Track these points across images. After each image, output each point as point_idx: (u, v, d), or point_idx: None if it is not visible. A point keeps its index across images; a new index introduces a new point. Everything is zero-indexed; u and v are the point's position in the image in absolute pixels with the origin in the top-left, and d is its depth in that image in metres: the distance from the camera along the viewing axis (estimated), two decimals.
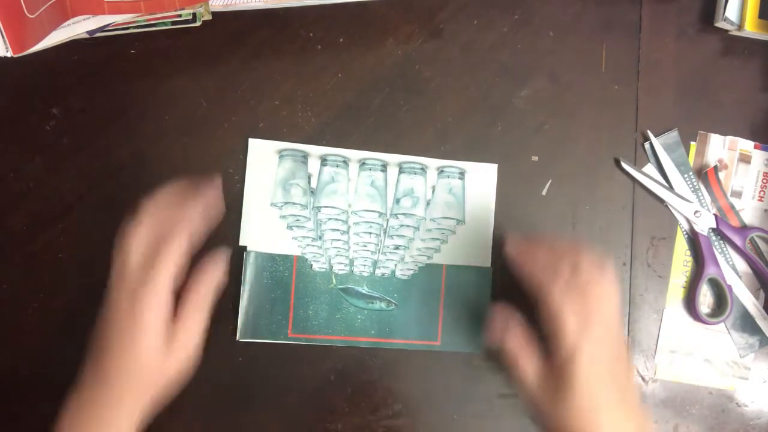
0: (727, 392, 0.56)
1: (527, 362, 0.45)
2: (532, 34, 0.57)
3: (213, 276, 0.45)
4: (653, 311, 0.56)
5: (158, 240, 0.43)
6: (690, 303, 0.56)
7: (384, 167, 0.54)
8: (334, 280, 0.54)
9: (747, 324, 0.56)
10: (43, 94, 0.53)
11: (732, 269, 0.56)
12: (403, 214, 0.54)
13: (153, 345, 0.42)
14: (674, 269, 0.56)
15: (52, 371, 0.52)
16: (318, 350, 0.54)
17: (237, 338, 0.53)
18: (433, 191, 0.54)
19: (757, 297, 0.56)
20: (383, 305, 0.54)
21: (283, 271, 0.54)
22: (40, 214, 0.53)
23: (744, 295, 0.56)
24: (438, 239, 0.54)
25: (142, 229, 0.43)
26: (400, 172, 0.54)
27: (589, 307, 0.44)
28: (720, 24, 0.57)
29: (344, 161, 0.54)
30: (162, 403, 0.44)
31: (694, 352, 0.56)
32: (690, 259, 0.56)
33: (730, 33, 0.57)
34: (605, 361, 0.43)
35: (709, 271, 0.55)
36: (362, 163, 0.54)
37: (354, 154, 0.54)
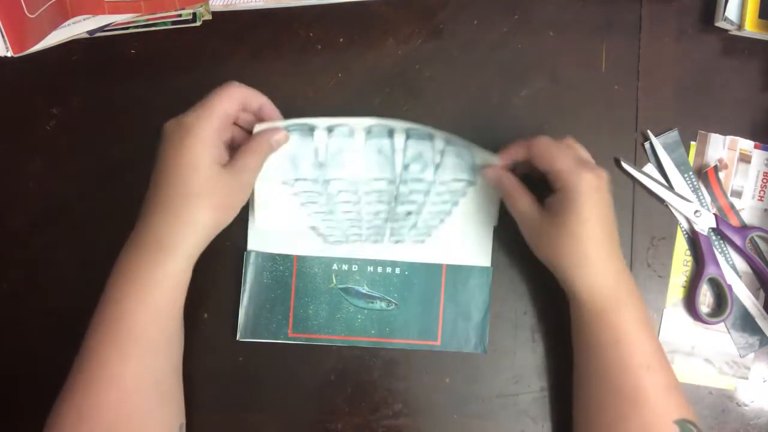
0: (727, 392, 0.56)
1: (522, 195, 0.50)
2: (532, 34, 0.57)
3: (272, 133, 0.49)
4: (653, 311, 0.56)
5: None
6: (690, 303, 0.56)
7: (391, 133, 0.53)
8: (334, 280, 0.54)
9: (747, 324, 0.56)
10: (43, 94, 0.53)
11: (732, 269, 0.56)
12: (413, 179, 0.54)
13: (209, 164, 0.44)
14: (674, 269, 0.56)
15: (52, 371, 0.52)
16: (318, 350, 0.54)
17: (237, 338, 0.53)
18: (441, 155, 0.54)
19: (757, 297, 0.56)
20: (383, 305, 0.54)
21: (283, 270, 0.54)
22: (40, 214, 0.53)
23: (744, 294, 0.56)
24: (449, 202, 0.54)
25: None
26: (408, 137, 0.53)
27: (582, 157, 0.49)
28: (720, 24, 0.57)
29: (350, 130, 0.53)
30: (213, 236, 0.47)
31: (694, 352, 0.56)
32: (690, 258, 0.56)
33: (730, 33, 0.57)
34: (596, 199, 0.47)
35: (709, 271, 0.55)
36: (368, 131, 0.53)
37: (360, 123, 0.52)
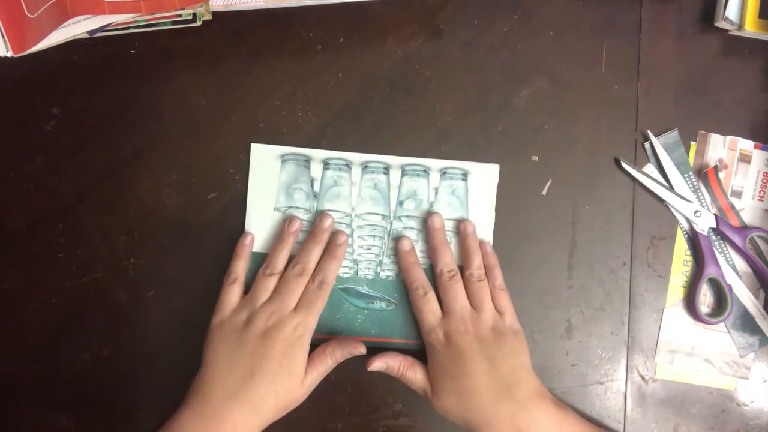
0: (727, 392, 0.56)
1: (411, 370, 0.51)
2: (532, 34, 0.57)
3: (353, 346, 0.51)
4: (653, 311, 0.56)
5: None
6: (690, 303, 0.56)
7: (386, 170, 0.54)
8: None
9: (747, 324, 0.56)
10: (43, 94, 0.53)
11: (732, 269, 0.56)
12: (407, 216, 0.54)
13: (295, 383, 0.48)
14: (674, 269, 0.56)
15: (52, 371, 0.52)
16: None
17: None
18: (436, 193, 0.54)
19: (757, 297, 0.56)
20: (383, 305, 0.54)
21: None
22: (40, 214, 0.53)
23: (744, 294, 0.56)
24: None
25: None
26: (403, 174, 0.54)
27: (446, 299, 0.51)
28: (720, 24, 0.57)
29: (347, 164, 0.54)
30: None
31: (694, 352, 0.56)
32: (690, 259, 0.56)
33: (730, 33, 0.57)
34: (447, 355, 0.49)
35: (709, 271, 0.55)
36: (365, 166, 0.54)
37: (356, 157, 0.54)
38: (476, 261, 0.52)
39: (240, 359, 0.47)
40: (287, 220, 0.53)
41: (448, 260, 0.52)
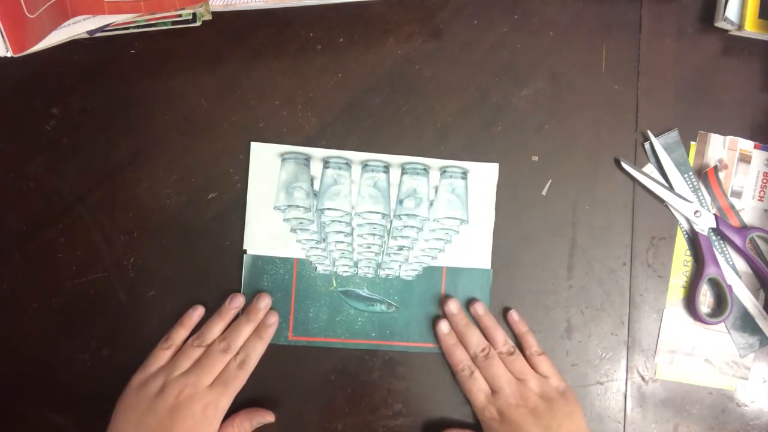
0: (727, 392, 0.56)
1: None
2: (532, 34, 0.57)
3: (261, 415, 0.52)
4: (653, 311, 0.56)
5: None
6: (690, 303, 0.56)
7: (386, 168, 0.54)
8: (334, 283, 0.54)
9: (747, 324, 0.56)
10: (43, 94, 0.53)
11: (732, 269, 0.56)
12: (407, 215, 0.54)
13: None
14: (674, 269, 0.56)
15: (52, 371, 0.52)
16: (318, 351, 0.54)
17: None
18: (436, 191, 0.54)
19: (757, 297, 0.56)
20: (383, 307, 0.54)
21: (284, 274, 0.54)
22: (40, 214, 0.53)
23: (744, 295, 0.56)
24: (442, 239, 0.54)
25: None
26: (403, 173, 0.54)
27: (490, 378, 0.52)
28: (720, 24, 0.57)
29: (347, 163, 0.54)
30: None
31: (694, 352, 0.56)
32: (690, 259, 0.56)
33: (730, 33, 0.57)
34: (526, 420, 0.49)
35: (709, 271, 0.55)
36: (365, 165, 0.54)
37: (356, 156, 0.54)
38: (499, 338, 0.53)
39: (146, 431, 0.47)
40: (229, 297, 0.52)
41: (476, 340, 0.53)
